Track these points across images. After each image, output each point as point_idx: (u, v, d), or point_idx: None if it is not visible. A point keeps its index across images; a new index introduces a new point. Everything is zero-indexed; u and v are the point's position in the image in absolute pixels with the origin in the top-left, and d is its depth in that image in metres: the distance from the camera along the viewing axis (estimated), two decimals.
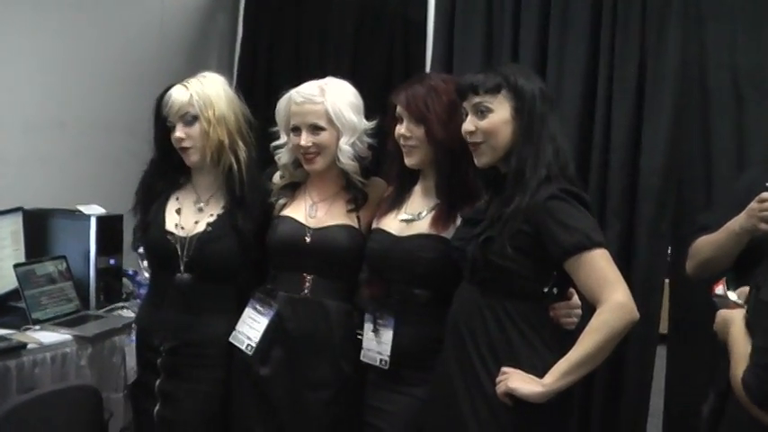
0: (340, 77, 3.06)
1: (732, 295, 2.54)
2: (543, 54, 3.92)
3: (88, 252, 3.87)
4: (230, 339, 2.96)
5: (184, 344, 2.99)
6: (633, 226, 3.76)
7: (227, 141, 2.98)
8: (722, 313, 2.49)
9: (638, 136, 3.77)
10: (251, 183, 3.03)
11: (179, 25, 4.93)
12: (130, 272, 4.16)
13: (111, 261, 3.94)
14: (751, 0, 3.64)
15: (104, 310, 3.85)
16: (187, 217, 3.06)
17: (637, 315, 2.44)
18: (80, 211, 3.92)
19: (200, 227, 3.02)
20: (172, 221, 3.05)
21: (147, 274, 4.07)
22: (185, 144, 2.99)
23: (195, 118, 2.97)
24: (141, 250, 3.26)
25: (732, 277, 2.69)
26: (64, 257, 3.80)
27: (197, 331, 2.99)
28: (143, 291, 3.96)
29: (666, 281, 3.85)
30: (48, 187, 4.16)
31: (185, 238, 3.01)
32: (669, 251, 3.89)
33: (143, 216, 3.11)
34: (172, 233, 3.03)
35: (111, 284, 3.96)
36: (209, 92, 2.99)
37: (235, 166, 3.00)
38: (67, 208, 3.96)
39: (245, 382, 2.94)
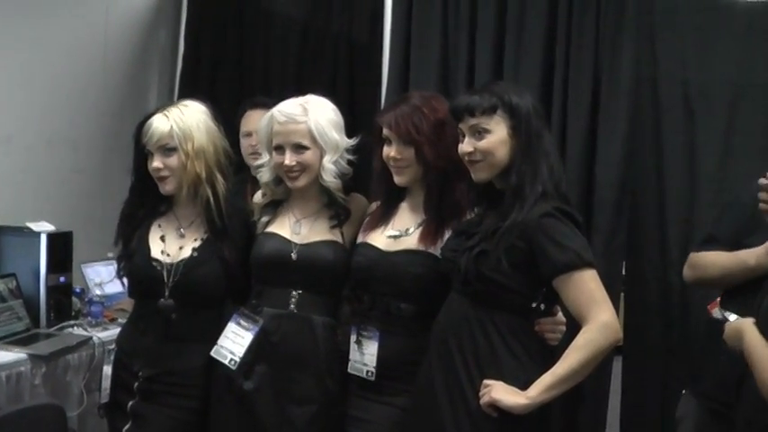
0: (284, 96, 3.04)
1: (732, 316, 2.61)
2: (499, 69, 3.97)
3: (38, 270, 3.79)
4: (212, 353, 2.91)
5: (163, 372, 2.95)
6: (589, 238, 3.72)
7: (204, 175, 2.94)
8: (731, 324, 2.55)
9: (593, 149, 3.84)
10: (230, 213, 3.01)
11: (121, 41, 4.86)
12: (78, 290, 4.08)
13: (62, 279, 3.87)
14: (701, 18, 3.75)
15: (55, 328, 3.78)
16: (171, 243, 3.01)
17: (620, 335, 2.52)
18: (29, 228, 3.83)
19: (186, 252, 2.99)
20: (157, 249, 3.00)
21: (98, 292, 4.04)
22: (162, 174, 2.96)
23: (174, 149, 2.93)
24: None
25: (725, 298, 2.78)
26: (14, 275, 3.71)
27: (177, 361, 2.95)
28: (94, 308, 3.91)
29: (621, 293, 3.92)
30: None
31: (171, 264, 2.97)
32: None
33: (125, 245, 3.06)
34: (158, 260, 2.98)
35: (62, 302, 3.87)
36: (189, 123, 2.94)
37: (212, 199, 2.96)
38: (16, 225, 3.87)
39: (227, 397, 2.90)
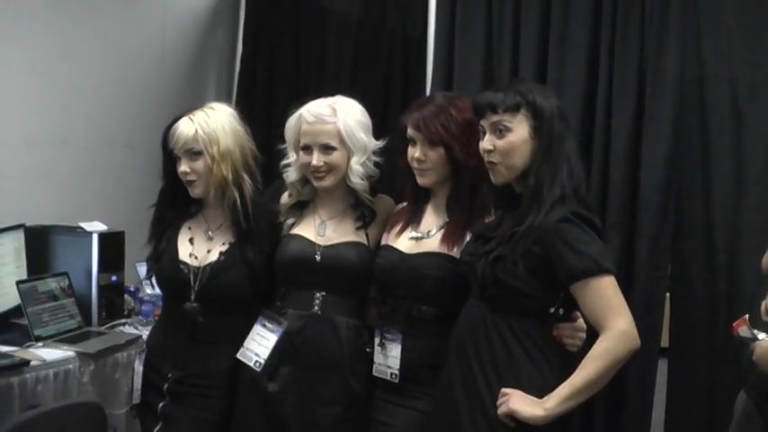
0: (339, 95, 3.05)
1: (761, 335, 2.57)
2: (543, 69, 3.94)
3: (90, 268, 3.87)
4: (238, 356, 2.96)
5: (191, 374, 3.00)
6: (633, 240, 3.77)
7: (230, 177, 2.97)
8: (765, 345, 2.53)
9: (638, 150, 3.78)
10: (257, 216, 3.02)
11: (179, 42, 4.95)
12: (132, 288, 4.16)
13: (113, 277, 3.95)
14: (748, 15, 3.67)
15: (106, 326, 3.85)
16: (200, 246, 3.06)
17: (638, 343, 2.46)
18: (82, 228, 3.92)
19: (213, 256, 3.03)
20: (185, 251, 3.05)
21: (149, 291, 4.11)
22: (190, 177, 3.00)
23: (199, 153, 2.97)
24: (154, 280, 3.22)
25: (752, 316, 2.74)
26: (66, 274, 3.80)
27: (205, 363, 3.00)
28: (145, 307, 3.99)
29: (667, 295, 3.86)
30: (49, 203, 4.18)
31: (198, 267, 3.01)
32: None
33: (155, 246, 3.11)
34: (185, 263, 3.03)
35: (113, 301, 3.96)
36: (214, 126, 2.97)
37: (239, 201, 2.99)
38: (69, 224, 3.97)
39: (253, 399, 2.94)
